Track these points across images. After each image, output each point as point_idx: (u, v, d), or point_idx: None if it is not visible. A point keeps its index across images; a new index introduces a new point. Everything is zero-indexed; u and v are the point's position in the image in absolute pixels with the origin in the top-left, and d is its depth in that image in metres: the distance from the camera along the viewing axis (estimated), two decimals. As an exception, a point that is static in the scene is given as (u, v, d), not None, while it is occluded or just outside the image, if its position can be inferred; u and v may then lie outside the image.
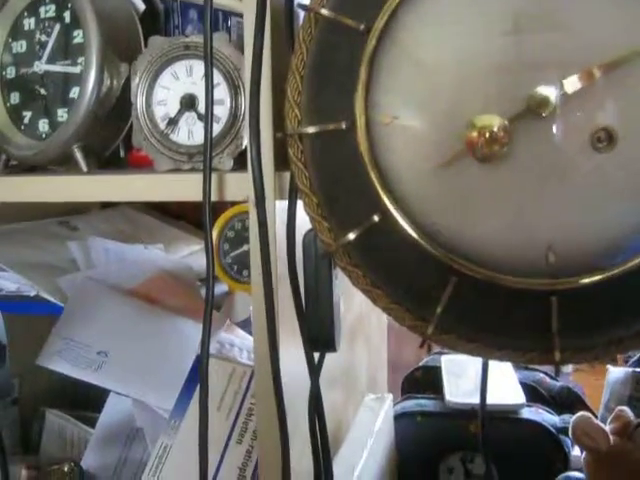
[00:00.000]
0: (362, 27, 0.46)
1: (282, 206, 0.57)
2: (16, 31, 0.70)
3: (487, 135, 0.42)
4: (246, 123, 0.55)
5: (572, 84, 0.41)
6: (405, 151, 0.46)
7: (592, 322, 0.45)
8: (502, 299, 0.45)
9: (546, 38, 0.42)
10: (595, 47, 0.41)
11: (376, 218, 0.47)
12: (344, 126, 0.47)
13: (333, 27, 0.48)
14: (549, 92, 0.41)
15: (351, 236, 0.48)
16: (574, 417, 0.75)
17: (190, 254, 1.10)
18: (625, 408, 0.77)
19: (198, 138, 0.62)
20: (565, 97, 0.41)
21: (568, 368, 1.78)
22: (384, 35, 0.45)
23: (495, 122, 0.42)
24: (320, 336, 0.57)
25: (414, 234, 0.45)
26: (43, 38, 0.68)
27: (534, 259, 0.43)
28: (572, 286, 0.43)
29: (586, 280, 0.43)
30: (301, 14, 0.55)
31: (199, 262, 1.07)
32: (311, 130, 0.48)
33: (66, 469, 0.80)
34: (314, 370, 0.58)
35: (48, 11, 0.67)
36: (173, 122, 0.63)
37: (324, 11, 0.48)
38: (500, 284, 0.44)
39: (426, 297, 0.47)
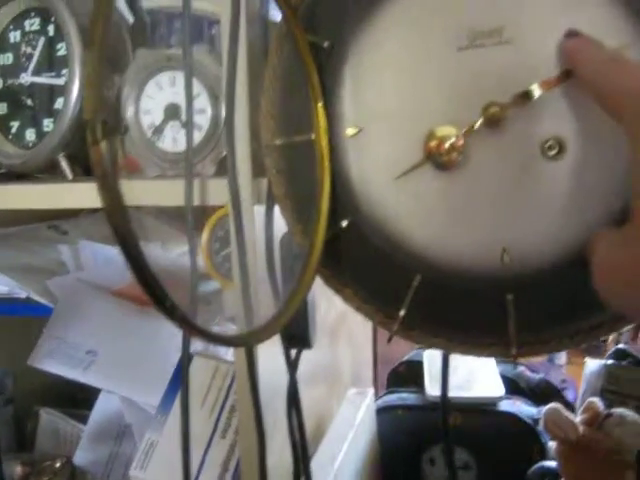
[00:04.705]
0: (326, 44, 0.49)
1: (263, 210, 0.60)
2: (2, 44, 0.72)
3: (446, 144, 0.45)
4: (226, 131, 0.58)
5: (522, 96, 0.43)
6: (369, 161, 0.48)
7: (546, 318, 0.47)
8: (461, 298, 0.48)
9: (497, 53, 0.44)
10: (543, 62, 0.43)
11: (344, 224, 0.50)
12: (313, 137, 0.49)
13: None
14: (500, 104, 0.44)
15: None
16: (545, 409, 0.77)
17: (184, 253, 1.13)
18: (595, 399, 0.79)
19: (182, 145, 0.65)
20: (516, 108, 0.43)
21: (561, 360, 1.81)
22: (346, 52, 0.48)
23: (454, 132, 0.45)
24: (295, 333, 0.60)
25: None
26: (29, 51, 0.70)
27: (490, 260, 0.46)
28: (526, 283, 0.46)
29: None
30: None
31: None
32: (280, 142, 0.51)
33: (58, 465, 0.83)
34: (291, 366, 0.60)
35: (33, 24, 0.70)
36: (158, 130, 0.66)
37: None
38: (458, 284, 0.47)
39: (391, 297, 0.49)
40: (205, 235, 0.76)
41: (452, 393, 0.91)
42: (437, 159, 0.46)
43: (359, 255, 0.50)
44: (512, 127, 0.44)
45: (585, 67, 0.40)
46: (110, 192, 0.32)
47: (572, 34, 0.42)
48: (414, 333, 0.51)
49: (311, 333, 0.61)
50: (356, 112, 0.49)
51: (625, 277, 0.36)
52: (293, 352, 0.62)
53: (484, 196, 0.46)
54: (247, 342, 0.51)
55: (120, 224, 0.33)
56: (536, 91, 0.43)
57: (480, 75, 0.45)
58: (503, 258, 0.46)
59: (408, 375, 1.06)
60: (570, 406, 0.97)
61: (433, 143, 0.45)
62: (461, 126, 0.45)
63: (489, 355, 0.49)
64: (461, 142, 0.45)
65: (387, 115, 0.48)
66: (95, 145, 0.33)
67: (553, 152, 0.44)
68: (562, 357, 1.79)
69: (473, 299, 0.48)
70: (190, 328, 0.37)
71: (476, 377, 0.98)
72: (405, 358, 1.10)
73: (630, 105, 0.36)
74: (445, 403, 0.61)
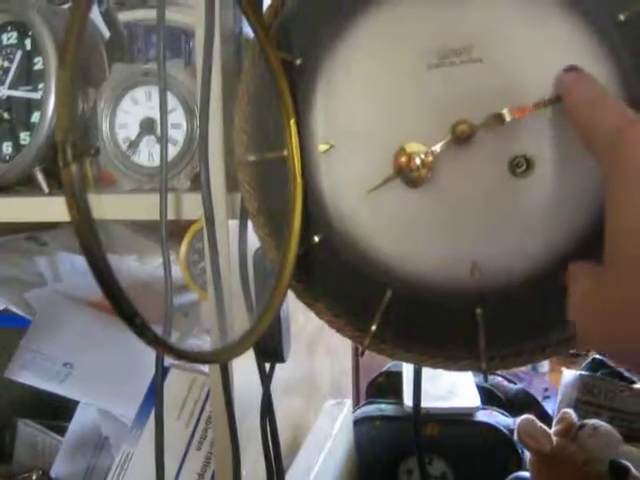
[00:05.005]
0: (298, 62, 0.49)
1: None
2: (-21, 57, 0.72)
3: (416, 160, 0.45)
4: (202, 146, 0.58)
5: (494, 119, 0.43)
6: (341, 177, 0.49)
7: (516, 332, 0.48)
8: (432, 312, 0.48)
9: (467, 70, 0.45)
10: (512, 80, 0.44)
11: (317, 239, 0.50)
12: (286, 153, 0.50)
13: None
14: (469, 122, 0.44)
15: None
16: (518, 419, 0.78)
17: (162, 265, 1.12)
18: (569, 410, 0.80)
19: (158, 160, 0.65)
20: (485, 126, 0.44)
21: (544, 368, 1.80)
22: (318, 68, 0.49)
23: (423, 149, 0.45)
24: (268, 348, 0.60)
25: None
26: (6, 64, 0.70)
27: (460, 275, 0.47)
28: (496, 298, 0.46)
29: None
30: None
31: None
32: (253, 158, 0.52)
33: (34, 477, 0.82)
34: (265, 379, 0.61)
35: (10, 38, 0.70)
36: (134, 144, 0.66)
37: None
38: (429, 298, 0.48)
39: (363, 312, 0.50)
40: (184, 247, 0.77)
41: (431, 404, 0.93)
42: (407, 175, 0.46)
43: (331, 270, 0.51)
44: (481, 144, 0.45)
45: (576, 101, 0.40)
46: (79, 211, 0.33)
47: (572, 69, 0.42)
48: (386, 347, 0.51)
49: (285, 347, 0.61)
50: (328, 128, 0.49)
51: (596, 322, 0.37)
52: (267, 365, 0.62)
53: (454, 212, 0.46)
54: (220, 359, 0.51)
55: (88, 243, 0.33)
56: (508, 116, 0.43)
57: (450, 92, 0.46)
58: (473, 273, 0.46)
59: (387, 386, 1.06)
60: (548, 417, 0.98)
61: (403, 159, 0.46)
62: (432, 143, 0.45)
63: (460, 369, 0.50)
64: (430, 158, 0.45)
65: (358, 131, 0.48)
66: (66, 168, 0.33)
67: (521, 169, 0.44)
68: (545, 365, 1.79)
69: (444, 313, 0.48)
70: (161, 347, 0.38)
71: (456, 388, 0.98)
72: (384, 369, 1.10)
73: (608, 143, 0.36)
74: (418, 415, 0.61)
